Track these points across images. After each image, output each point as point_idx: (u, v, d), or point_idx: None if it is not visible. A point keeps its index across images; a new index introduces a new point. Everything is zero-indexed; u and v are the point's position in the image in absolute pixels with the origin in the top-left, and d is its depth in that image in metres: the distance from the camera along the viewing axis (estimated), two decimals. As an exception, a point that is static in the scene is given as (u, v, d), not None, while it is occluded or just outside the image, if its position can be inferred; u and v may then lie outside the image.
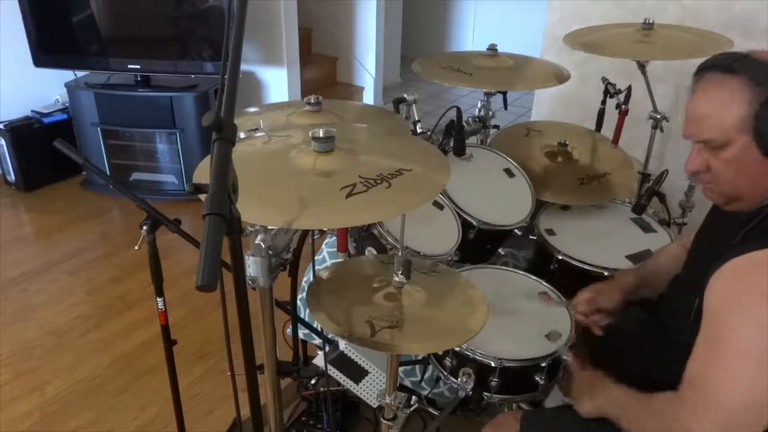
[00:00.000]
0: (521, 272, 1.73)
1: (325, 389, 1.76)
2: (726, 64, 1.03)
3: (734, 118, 1.01)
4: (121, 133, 3.37)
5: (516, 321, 1.56)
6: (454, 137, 1.83)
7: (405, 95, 1.82)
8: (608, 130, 2.20)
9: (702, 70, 1.07)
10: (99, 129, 3.33)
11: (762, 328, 0.94)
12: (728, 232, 1.09)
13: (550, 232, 1.85)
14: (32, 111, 3.49)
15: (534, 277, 1.69)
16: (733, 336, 0.97)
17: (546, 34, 3.03)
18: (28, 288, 2.65)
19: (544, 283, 1.67)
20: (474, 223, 1.73)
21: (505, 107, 2.18)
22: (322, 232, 1.90)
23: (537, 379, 1.46)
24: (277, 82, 3.79)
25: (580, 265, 1.71)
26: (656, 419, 1.04)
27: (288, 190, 1.04)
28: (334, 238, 1.87)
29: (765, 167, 1.03)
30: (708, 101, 1.05)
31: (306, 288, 1.72)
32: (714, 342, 1.00)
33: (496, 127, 2.22)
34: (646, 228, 1.90)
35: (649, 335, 1.36)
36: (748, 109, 1.00)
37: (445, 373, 1.52)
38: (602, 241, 1.83)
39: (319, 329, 1.70)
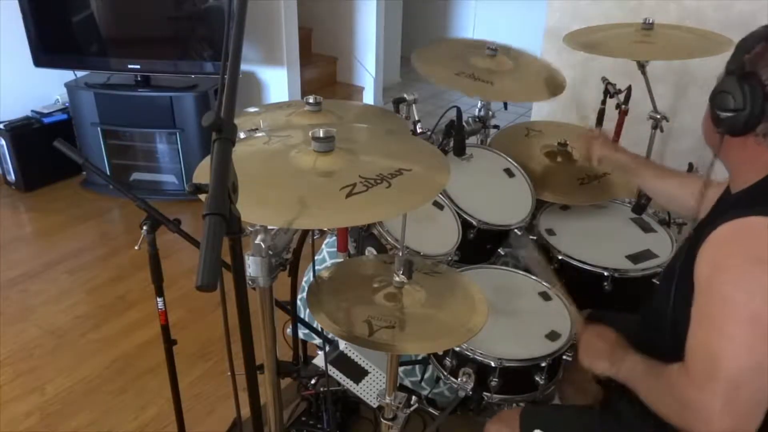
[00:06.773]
0: (521, 272, 1.73)
1: (325, 389, 1.75)
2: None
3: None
4: (121, 133, 3.37)
5: (516, 321, 1.56)
6: (454, 137, 1.82)
7: (405, 95, 1.81)
8: (608, 131, 2.19)
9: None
10: (99, 129, 3.32)
11: (750, 294, 0.94)
12: (717, 214, 1.09)
13: (550, 232, 1.85)
14: (32, 111, 3.49)
15: (534, 278, 1.70)
16: (724, 304, 0.97)
17: (546, 34, 3.03)
18: (28, 288, 2.65)
19: (544, 283, 1.67)
20: (474, 223, 1.73)
21: (505, 107, 2.17)
22: (322, 232, 1.90)
23: (537, 379, 1.47)
24: (277, 82, 3.78)
25: (580, 265, 1.71)
26: (669, 391, 1.03)
27: (288, 190, 1.04)
28: (334, 238, 1.87)
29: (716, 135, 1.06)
30: None
31: (306, 288, 1.72)
32: (707, 311, 1.00)
33: (496, 127, 2.22)
34: (646, 228, 1.90)
35: (645, 332, 1.36)
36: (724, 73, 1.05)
37: (445, 373, 1.52)
38: (602, 241, 1.83)
39: (319, 329, 1.70)
